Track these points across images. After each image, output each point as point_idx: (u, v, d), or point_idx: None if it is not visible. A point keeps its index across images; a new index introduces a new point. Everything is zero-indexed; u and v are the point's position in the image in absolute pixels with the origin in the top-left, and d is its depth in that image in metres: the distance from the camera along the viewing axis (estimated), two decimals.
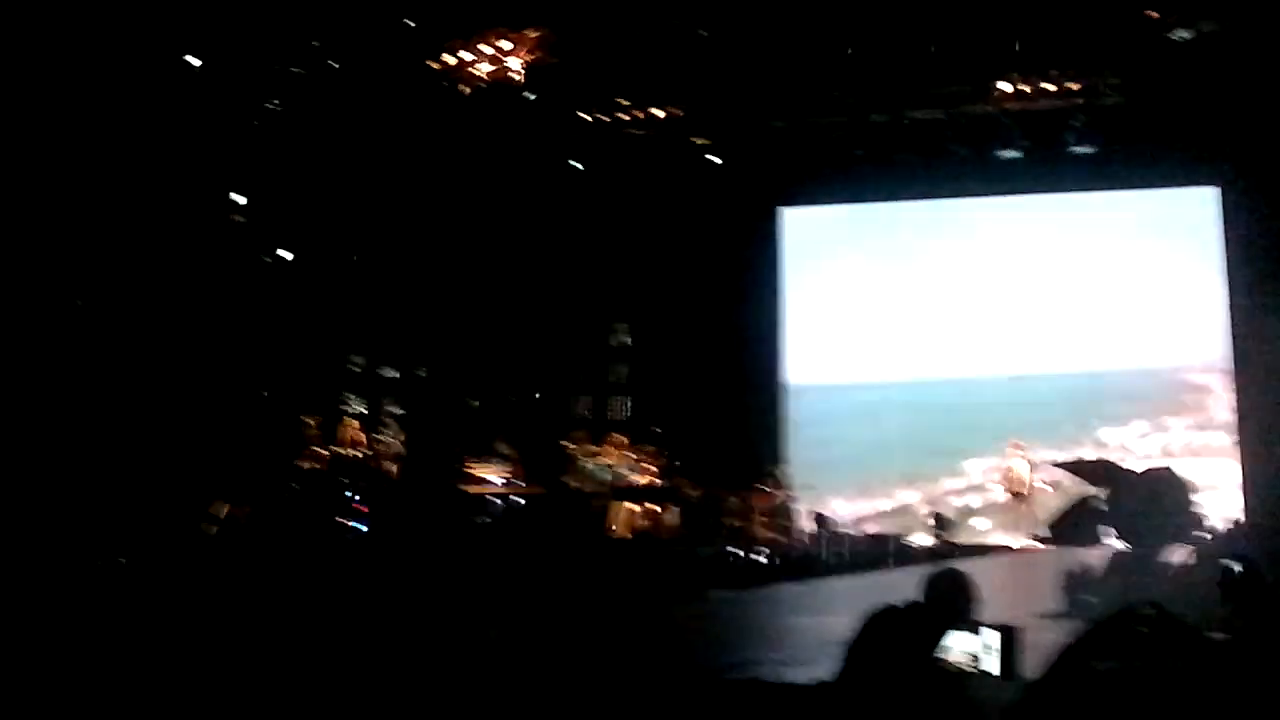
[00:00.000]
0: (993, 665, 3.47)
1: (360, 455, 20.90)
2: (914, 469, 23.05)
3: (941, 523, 21.97)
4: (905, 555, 19.85)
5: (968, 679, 3.43)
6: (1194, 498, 15.90)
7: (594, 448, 21.53)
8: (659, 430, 22.26)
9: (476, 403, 22.75)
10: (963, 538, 21.57)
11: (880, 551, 19.92)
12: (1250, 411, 21.66)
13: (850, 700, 2.96)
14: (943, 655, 3.36)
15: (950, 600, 4.04)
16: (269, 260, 20.37)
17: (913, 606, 3.37)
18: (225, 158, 18.53)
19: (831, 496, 22.89)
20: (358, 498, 19.00)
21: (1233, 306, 22.04)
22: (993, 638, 3.53)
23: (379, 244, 21.79)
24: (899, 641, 3.12)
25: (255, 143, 18.98)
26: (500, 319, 22.82)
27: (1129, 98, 20.37)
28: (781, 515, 21.84)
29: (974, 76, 20.49)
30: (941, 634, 3.40)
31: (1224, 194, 22.61)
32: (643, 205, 22.82)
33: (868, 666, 3.02)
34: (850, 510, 22.77)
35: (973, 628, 3.59)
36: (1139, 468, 17.62)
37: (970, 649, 3.48)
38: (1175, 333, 22.22)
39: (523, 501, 20.20)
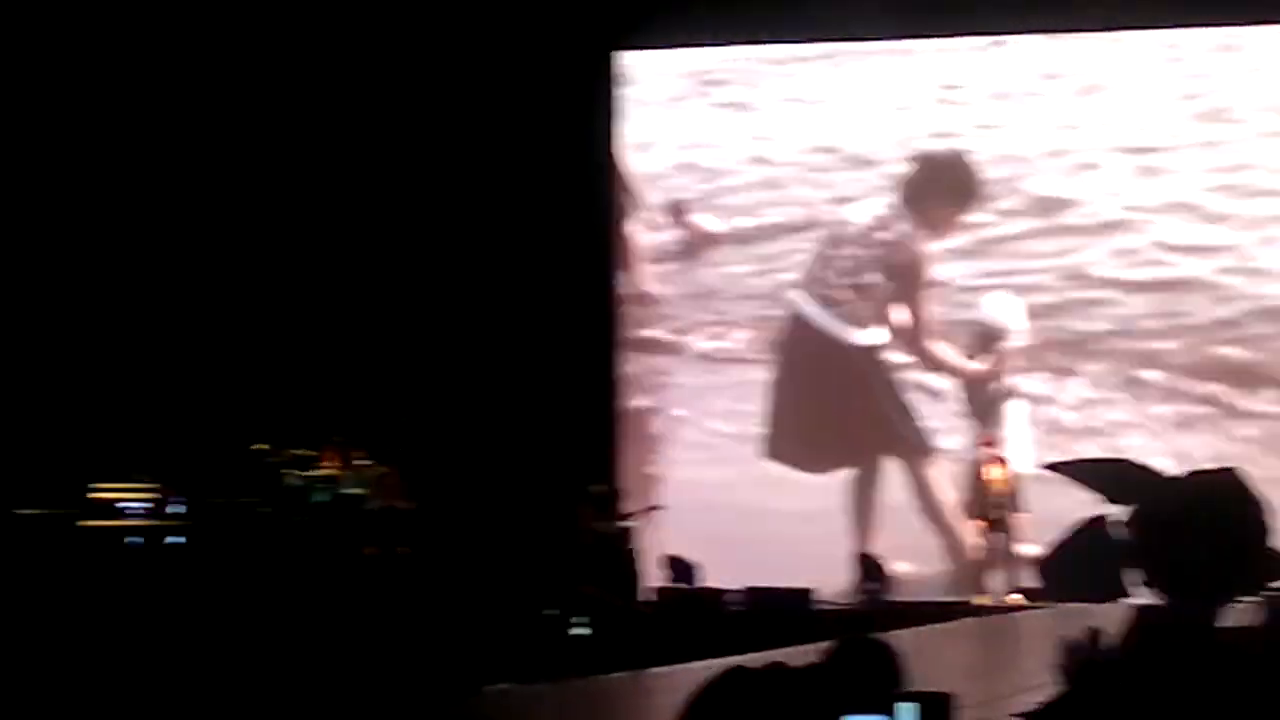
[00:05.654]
0: None
1: None
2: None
3: (870, 568, 17.66)
4: (809, 620, 16.44)
5: None
6: (1270, 518, 10.81)
7: (306, 451, 17.44)
8: (415, 425, 18.27)
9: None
10: (903, 590, 17.90)
11: (769, 615, 16.64)
12: None
13: None
14: None
15: (860, 667, 3.67)
16: None
17: (775, 669, 2.51)
18: None
19: (690, 525, 18.65)
20: None
21: None
22: (908, 713, 2.98)
23: None
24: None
25: None
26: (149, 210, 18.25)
27: None
28: (613, 555, 17.49)
29: None
30: (836, 711, 2.67)
31: None
32: None
33: None
34: (720, 547, 18.45)
35: (886, 702, 3.01)
36: (1182, 469, 13.63)
37: None
38: None
39: (183, 540, 16.38)
